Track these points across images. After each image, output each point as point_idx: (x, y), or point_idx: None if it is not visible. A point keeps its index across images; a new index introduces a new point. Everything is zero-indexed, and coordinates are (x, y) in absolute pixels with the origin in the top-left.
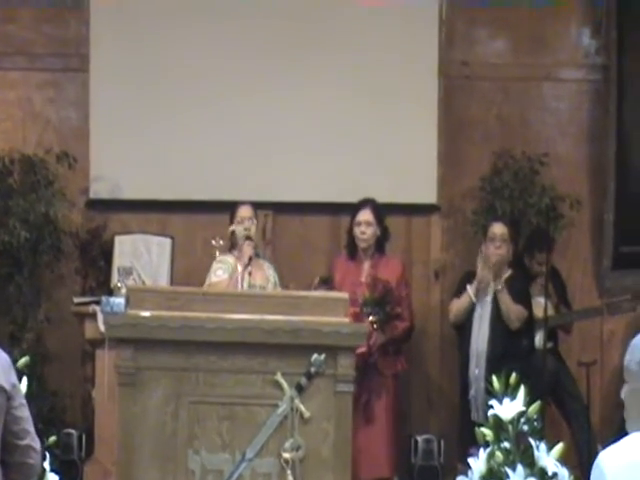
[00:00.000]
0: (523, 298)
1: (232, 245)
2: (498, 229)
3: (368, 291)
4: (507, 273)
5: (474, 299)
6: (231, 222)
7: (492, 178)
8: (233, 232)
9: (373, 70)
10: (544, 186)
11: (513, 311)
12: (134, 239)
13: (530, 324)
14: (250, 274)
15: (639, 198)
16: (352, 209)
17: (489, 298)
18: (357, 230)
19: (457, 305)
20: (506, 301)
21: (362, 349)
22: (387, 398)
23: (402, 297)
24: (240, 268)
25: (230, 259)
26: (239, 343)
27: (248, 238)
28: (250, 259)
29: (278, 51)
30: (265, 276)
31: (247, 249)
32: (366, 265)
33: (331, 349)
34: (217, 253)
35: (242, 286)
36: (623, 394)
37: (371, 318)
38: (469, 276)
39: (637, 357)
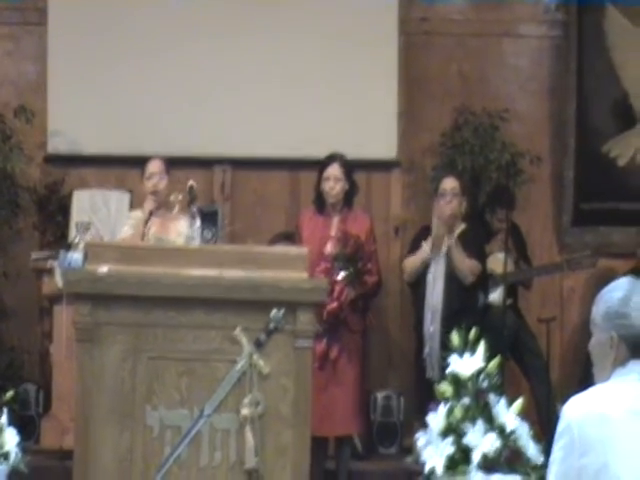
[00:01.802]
0: (477, 252)
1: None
2: (448, 184)
3: (339, 246)
4: (461, 227)
5: (429, 254)
6: (142, 177)
7: (452, 134)
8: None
9: (332, 25)
10: (504, 142)
11: (467, 265)
12: (92, 194)
13: (484, 279)
14: (150, 229)
15: (599, 155)
16: (313, 164)
17: (443, 254)
18: (326, 185)
19: (411, 262)
20: (459, 256)
21: (333, 305)
22: (356, 354)
23: (371, 252)
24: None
25: (139, 214)
26: (198, 299)
27: (153, 193)
28: (150, 213)
29: (234, 3)
30: (177, 230)
31: (148, 203)
32: (335, 220)
33: (290, 304)
34: (176, 208)
35: (144, 241)
36: (590, 346)
37: (342, 273)
38: (424, 232)
39: (602, 309)
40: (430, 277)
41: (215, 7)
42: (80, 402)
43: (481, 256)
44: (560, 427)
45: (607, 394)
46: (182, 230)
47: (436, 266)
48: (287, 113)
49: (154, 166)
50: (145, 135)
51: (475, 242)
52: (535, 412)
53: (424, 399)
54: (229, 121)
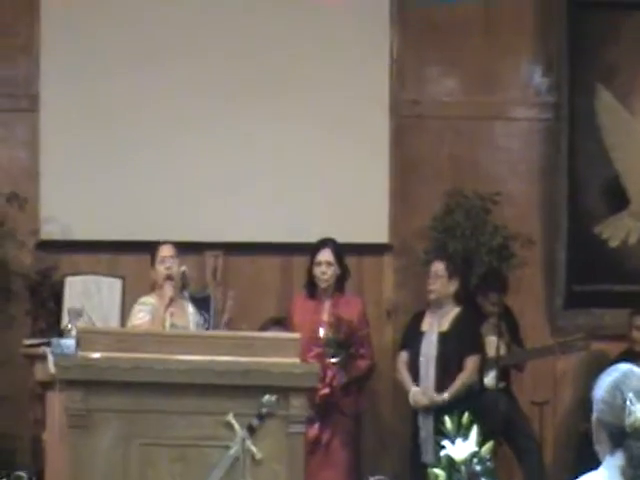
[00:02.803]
0: (473, 339)
1: (153, 286)
2: (433, 267)
3: (331, 331)
4: (455, 311)
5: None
6: (152, 263)
7: (444, 217)
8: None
9: (324, 109)
10: (496, 225)
11: (469, 380)
12: (85, 280)
13: (483, 364)
14: (172, 314)
15: (591, 236)
16: (305, 249)
17: (434, 343)
18: (317, 270)
19: (400, 378)
20: (459, 389)
21: (325, 390)
22: (348, 438)
23: (364, 336)
24: (163, 309)
25: (152, 300)
26: (190, 384)
27: (169, 278)
28: (171, 300)
29: (227, 93)
30: (186, 316)
31: (168, 289)
32: (327, 304)
33: (283, 390)
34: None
35: (164, 328)
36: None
37: (333, 360)
38: (416, 320)
39: (595, 390)
40: (422, 366)
41: (208, 100)
42: None
43: (477, 342)
44: None
45: None
46: (190, 315)
47: (428, 355)
48: (278, 198)
49: (167, 250)
50: (137, 221)
51: (470, 328)
52: None
53: None
54: (220, 206)
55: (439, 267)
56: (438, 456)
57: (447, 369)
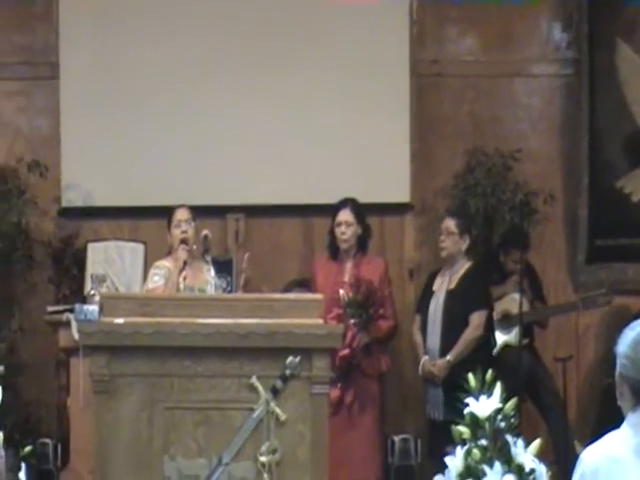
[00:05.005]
0: (481, 297)
1: (170, 249)
2: (444, 224)
3: (351, 292)
4: (465, 266)
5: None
6: (168, 226)
7: (465, 175)
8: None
9: (344, 69)
10: (517, 182)
11: (473, 337)
12: (107, 246)
13: (491, 321)
14: (185, 278)
15: (612, 192)
16: (326, 210)
17: (441, 302)
18: (337, 231)
19: (415, 343)
20: (462, 349)
21: (345, 351)
22: (372, 399)
23: (385, 296)
24: (176, 272)
25: (167, 263)
26: (213, 348)
27: (184, 242)
28: (185, 263)
29: (247, 53)
30: (204, 279)
31: (181, 253)
32: (348, 265)
33: (306, 351)
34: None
35: (179, 290)
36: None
37: (353, 321)
38: (429, 280)
39: (622, 344)
40: (430, 321)
41: (228, 61)
42: (98, 454)
43: (484, 297)
44: (575, 476)
45: (618, 440)
46: (209, 279)
47: (435, 309)
48: (299, 159)
49: (182, 214)
50: (158, 186)
51: (477, 284)
52: (552, 452)
53: (434, 441)
54: (241, 169)
55: (450, 224)
56: (450, 413)
57: (452, 328)
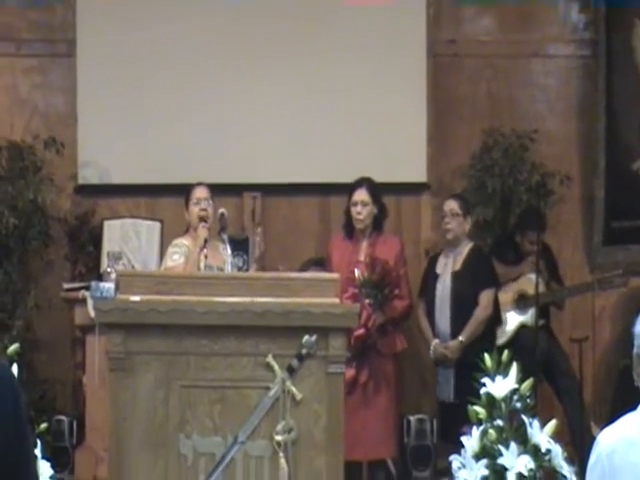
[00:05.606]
0: (488, 276)
1: (188, 227)
2: (447, 205)
3: (367, 272)
4: (469, 246)
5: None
6: (187, 204)
7: (482, 156)
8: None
9: (362, 50)
10: (534, 163)
11: (483, 315)
12: (123, 223)
13: (496, 302)
14: (206, 256)
15: (629, 173)
16: (342, 189)
17: (448, 284)
18: (353, 210)
19: (422, 327)
20: (473, 329)
21: (360, 331)
22: (387, 378)
23: (400, 276)
24: (197, 250)
25: (186, 242)
26: (229, 326)
27: (203, 219)
28: (205, 241)
29: (264, 32)
30: (221, 257)
31: (202, 231)
32: (364, 244)
33: (322, 330)
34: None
35: (199, 269)
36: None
37: (368, 301)
38: (431, 264)
39: (639, 324)
40: (438, 303)
41: (245, 39)
42: (113, 432)
43: (491, 276)
44: (592, 458)
45: (634, 422)
46: (226, 257)
47: (442, 291)
48: (316, 138)
49: (201, 192)
50: (175, 164)
51: (483, 263)
52: (568, 433)
53: (448, 421)
54: (258, 148)
55: (453, 205)
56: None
57: (461, 309)
